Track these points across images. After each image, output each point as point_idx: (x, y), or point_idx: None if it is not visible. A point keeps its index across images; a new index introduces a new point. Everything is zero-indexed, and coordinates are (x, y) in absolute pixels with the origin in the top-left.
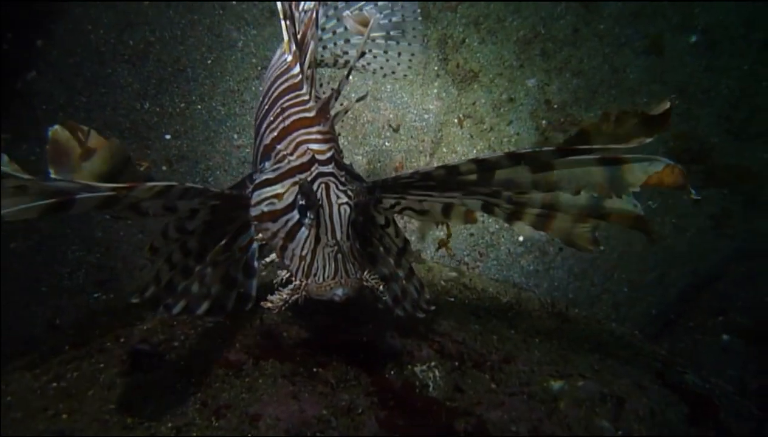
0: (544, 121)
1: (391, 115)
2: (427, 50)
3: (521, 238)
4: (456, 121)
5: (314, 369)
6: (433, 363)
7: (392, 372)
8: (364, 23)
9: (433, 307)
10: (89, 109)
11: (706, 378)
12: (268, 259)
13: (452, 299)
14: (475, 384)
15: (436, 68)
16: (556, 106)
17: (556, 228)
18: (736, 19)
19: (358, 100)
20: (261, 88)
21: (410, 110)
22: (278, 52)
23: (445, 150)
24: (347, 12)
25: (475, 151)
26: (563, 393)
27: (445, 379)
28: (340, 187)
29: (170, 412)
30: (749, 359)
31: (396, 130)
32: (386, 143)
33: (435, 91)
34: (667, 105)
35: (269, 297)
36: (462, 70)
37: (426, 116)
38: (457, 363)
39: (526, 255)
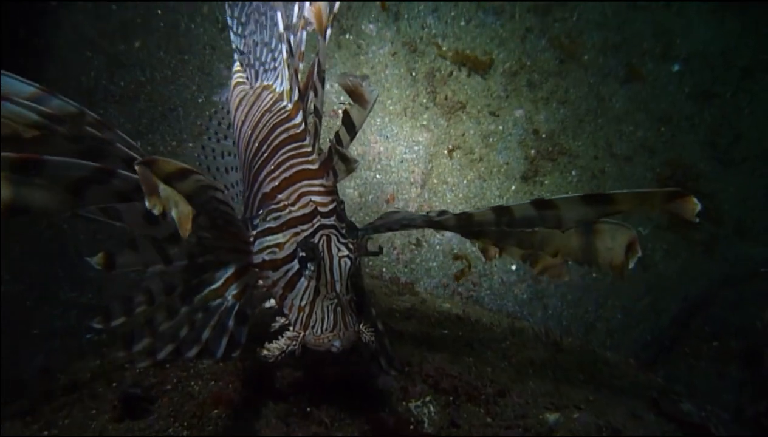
0: (533, 151)
1: (381, 148)
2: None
3: (514, 267)
4: (446, 152)
5: (308, 409)
6: (427, 399)
7: (386, 409)
8: (358, 96)
9: (407, 369)
10: None
11: (702, 405)
12: (267, 305)
13: (445, 331)
14: (471, 419)
15: (424, 100)
16: (544, 135)
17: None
18: (716, 48)
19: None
20: (235, 122)
21: (400, 142)
22: (247, 88)
23: (435, 181)
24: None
25: (465, 181)
26: (559, 425)
27: (440, 414)
28: (341, 240)
29: None
30: (744, 384)
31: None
32: (377, 176)
33: (424, 122)
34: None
35: (266, 345)
36: (450, 101)
37: (416, 148)
38: (451, 398)
39: (520, 284)
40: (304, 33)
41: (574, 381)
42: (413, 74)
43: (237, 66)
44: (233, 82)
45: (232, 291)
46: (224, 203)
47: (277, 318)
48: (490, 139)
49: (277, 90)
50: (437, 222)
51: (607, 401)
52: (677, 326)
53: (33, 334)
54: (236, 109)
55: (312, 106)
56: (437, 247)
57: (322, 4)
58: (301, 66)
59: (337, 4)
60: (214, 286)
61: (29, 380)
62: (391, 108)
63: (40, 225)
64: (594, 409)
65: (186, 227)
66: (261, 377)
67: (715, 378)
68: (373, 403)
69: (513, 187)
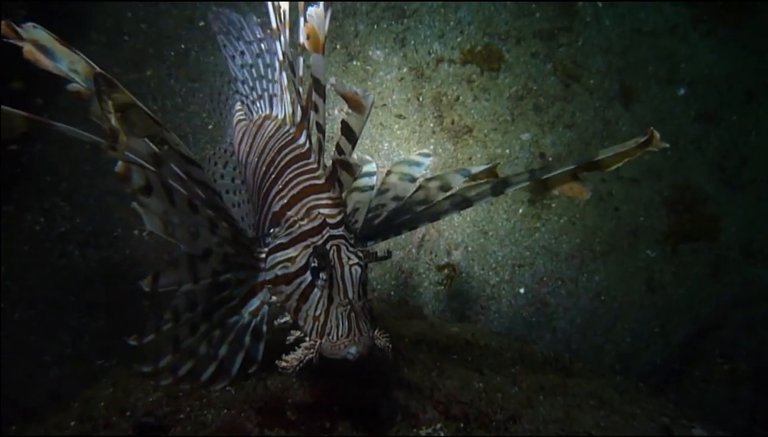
0: None
1: None
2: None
3: (522, 290)
4: None
5: None
6: (438, 426)
7: None
8: (355, 103)
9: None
10: (93, 176)
11: (714, 431)
12: (282, 320)
13: (455, 356)
14: None
15: (431, 125)
16: (551, 159)
17: None
18: (720, 72)
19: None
20: (240, 155)
21: None
22: (248, 123)
23: None
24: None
25: None
26: None
27: None
28: (351, 249)
29: None
30: (756, 408)
31: None
32: None
33: (431, 147)
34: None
35: (284, 356)
36: (457, 126)
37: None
38: (462, 425)
39: (528, 307)
40: (301, 58)
41: (585, 407)
42: (420, 99)
43: (238, 105)
44: (234, 121)
45: (249, 308)
46: (206, 186)
47: (292, 332)
48: (498, 163)
49: (279, 117)
50: (437, 212)
51: (618, 428)
52: (687, 349)
53: (44, 361)
54: (240, 143)
55: (314, 123)
56: None
57: (315, 22)
58: (300, 89)
59: (328, 20)
60: (231, 304)
61: (40, 407)
62: (398, 133)
63: (52, 253)
64: (605, 436)
65: (123, 137)
66: (273, 405)
67: (726, 401)
68: (385, 430)
69: (520, 211)
